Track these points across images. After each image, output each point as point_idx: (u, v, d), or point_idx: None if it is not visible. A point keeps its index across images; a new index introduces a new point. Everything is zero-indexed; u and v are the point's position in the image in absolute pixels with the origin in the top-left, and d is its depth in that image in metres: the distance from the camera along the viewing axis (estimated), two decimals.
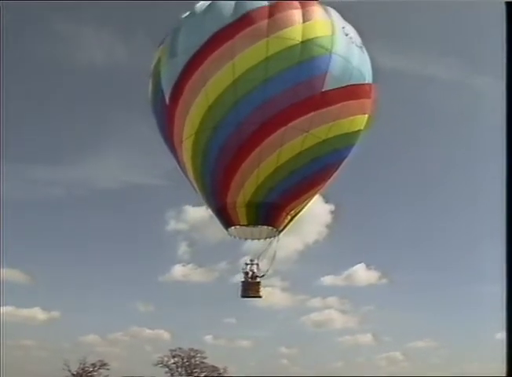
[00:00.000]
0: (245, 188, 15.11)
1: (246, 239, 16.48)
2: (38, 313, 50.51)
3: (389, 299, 47.57)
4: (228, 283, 48.27)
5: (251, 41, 14.18)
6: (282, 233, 16.47)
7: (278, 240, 16.25)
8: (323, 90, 14.61)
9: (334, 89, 14.79)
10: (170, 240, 52.09)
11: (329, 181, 16.72)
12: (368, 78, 16.07)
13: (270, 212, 15.60)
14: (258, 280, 16.41)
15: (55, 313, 50.15)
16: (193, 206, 48.65)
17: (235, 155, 14.77)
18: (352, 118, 15.62)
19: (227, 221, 16.01)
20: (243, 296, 16.56)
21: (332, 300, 50.57)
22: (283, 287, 48.99)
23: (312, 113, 14.62)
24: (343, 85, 14.97)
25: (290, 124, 14.50)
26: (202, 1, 15.95)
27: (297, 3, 15.06)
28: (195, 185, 16.26)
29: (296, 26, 14.47)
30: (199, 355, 50.39)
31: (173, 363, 50.01)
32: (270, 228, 16.01)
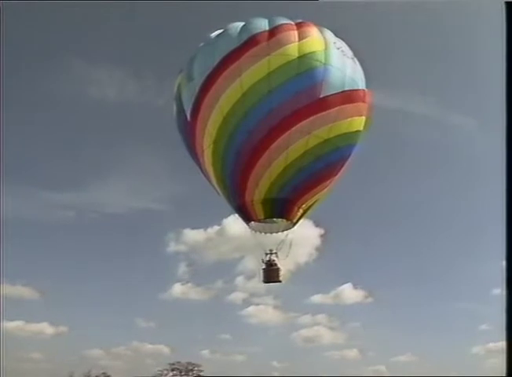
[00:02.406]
0: (260, 186, 17.29)
1: (265, 233, 18.64)
2: (47, 328, 54.01)
3: (374, 317, 50.23)
4: (224, 301, 50.80)
5: (255, 60, 16.49)
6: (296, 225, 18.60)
7: (293, 232, 18.35)
8: (320, 97, 16.74)
9: (330, 95, 16.89)
10: (171, 261, 55.49)
11: (335, 177, 18.67)
12: (362, 85, 18.13)
13: (283, 206, 17.70)
14: (278, 266, 18.40)
15: (62, 328, 53.64)
16: (192, 228, 51.66)
17: (249, 159, 16.99)
18: (349, 119, 17.64)
19: (247, 216, 18.22)
20: (265, 282, 18.58)
21: (321, 317, 53.24)
22: (275, 305, 52.11)
23: (313, 117, 16.73)
24: (338, 91, 17.07)
25: (293, 128, 16.62)
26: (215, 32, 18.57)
27: (293, 25, 17.40)
28: (217, 188, 18.51)
29: (293, 44, 16.75)
30: (196, 368, 53.14)
31: (172, 376, 52.95)
32: (285, 221, 18.15)
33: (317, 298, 53.19)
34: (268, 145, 16.79)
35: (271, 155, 16.89)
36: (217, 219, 51.38)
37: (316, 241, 44.36)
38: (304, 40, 16.98)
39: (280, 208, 17.73)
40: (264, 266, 18.49)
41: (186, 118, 17.96)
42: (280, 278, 18.50)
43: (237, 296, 52.42)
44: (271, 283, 18.71)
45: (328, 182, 18.45)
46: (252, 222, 18.42)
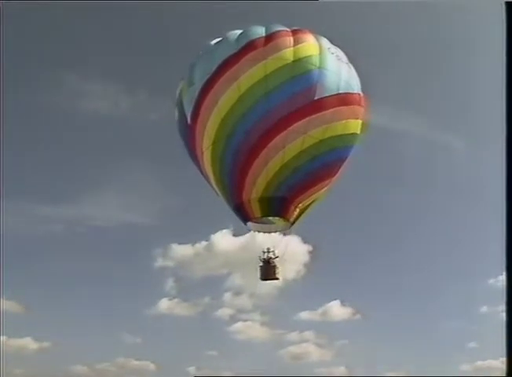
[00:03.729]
0: (257, 185, 17.77)
1: (264, 232, 19.10)
2: (30, 343, 53.95)
3: (362, 334, 50.47)
4: (211, 316, 51.14)
5: (252, 63, 17.21)
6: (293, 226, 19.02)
7: (290, 232, 18.88)
8: (315, 98, 17.32)
9: (325, 97, 17.48)
10: (158, 276, 56.05)
11: (333, 178, 19.10)
12: (357, 89, 18.74)
13: (280, 205, 18.10)
14: (275, 263, 18.73)
15: (46, 344, 53.36)
16: (179, 244, 52.50)
17: (247, 158, 17.51)
18: (344, 121, 18.16)
19: (244, 216, 18.63)
20: (263, 279, 18.89)
21: (309, 334, 53.15)
22: (263, 322, 52.13)
23: (308, 118, 17.29)
24: (333, 93, 17.67)
25: (289, 128, 17.17)
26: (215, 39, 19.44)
27: (289, 32, 18.20)
28: (216, 189, 19.00)
29: (288, 49, 17.49)
30: None
31: None
32: (282, 220, 18.57)
33: (305, 315, 53.65)
34: (264, 145, 17.34)
35: (268, 155, 17.43)
36: (205, 234, 52.41)
37: (305, 258, 45.69)
38: (299, 45, 17.72)
39: (277, 207, 18.14)
40: (261, 264, 18.88)
41: (187, 121, 18.62)
42: (277, 275, 18.81)
43: (224, 312, 52.73)
44: (268, 281, 19.04)
45: (326, 182, 18.89)
46: (250, 223, 18.88)
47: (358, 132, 19.00)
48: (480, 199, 49.64)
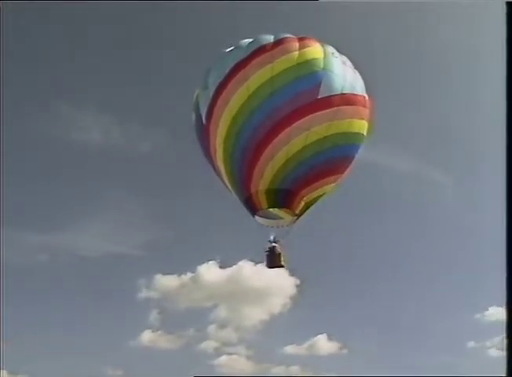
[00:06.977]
0: (264, 178, 18.96)
1: (272, 227, 20.15)
2: None
3: (349, 368, 48.68)
4: (195, 349, 50.27)
5: (260, 66, 18.67)
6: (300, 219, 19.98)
7: (294, 222, 19.84)
8: (319, 97, 18.57)
9: (328, 96, 18.63)
10: (142, 307, 55.21)
11: (342, 175, 20.17)
12: (362, 91, 19.84)
13: (285, 196, 19.18)
14: (280, 251, 19.71)
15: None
16: (164, 274, 52.44)
17: (254, 153, 18.80)
18: (349, 120, 19.22)
19: (252, 208, 19.74)
20: (269, 266, 19.81)
21: (295, 369, 51.34)
22: (248, 356, 50.70)
23: (312, 115, 18.48)
24: (337, 93, 18.86)
25: (294, 125, 18.40)
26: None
27: (295, 39, 19.66)
28: (228, 183, 20.28)
29: (293, 53, 18.88)
30: None
31: None
32: (287, 214, 19.60)
33: (291, 349, 52.13)
34: (270, 140, 18.57)
35: (273, 149, 18.64)
36: (191, 266, 52.46)
37: (291, 291, 45.85)
38: (305, 49, 19.04)
39: (281, 198, 19.17)
40: (267, 252, 19.81)
41: (202, 122, 20.17)
42: (283, 263, 19.66)
43: (209, 345, 51.59)
44: (275, 268, 19.95)
45: (332, 178, 19.88)
46: (257, 217, 20.00)
47: (363, 132, 20.02)
48: (470, 234, 50.44)
